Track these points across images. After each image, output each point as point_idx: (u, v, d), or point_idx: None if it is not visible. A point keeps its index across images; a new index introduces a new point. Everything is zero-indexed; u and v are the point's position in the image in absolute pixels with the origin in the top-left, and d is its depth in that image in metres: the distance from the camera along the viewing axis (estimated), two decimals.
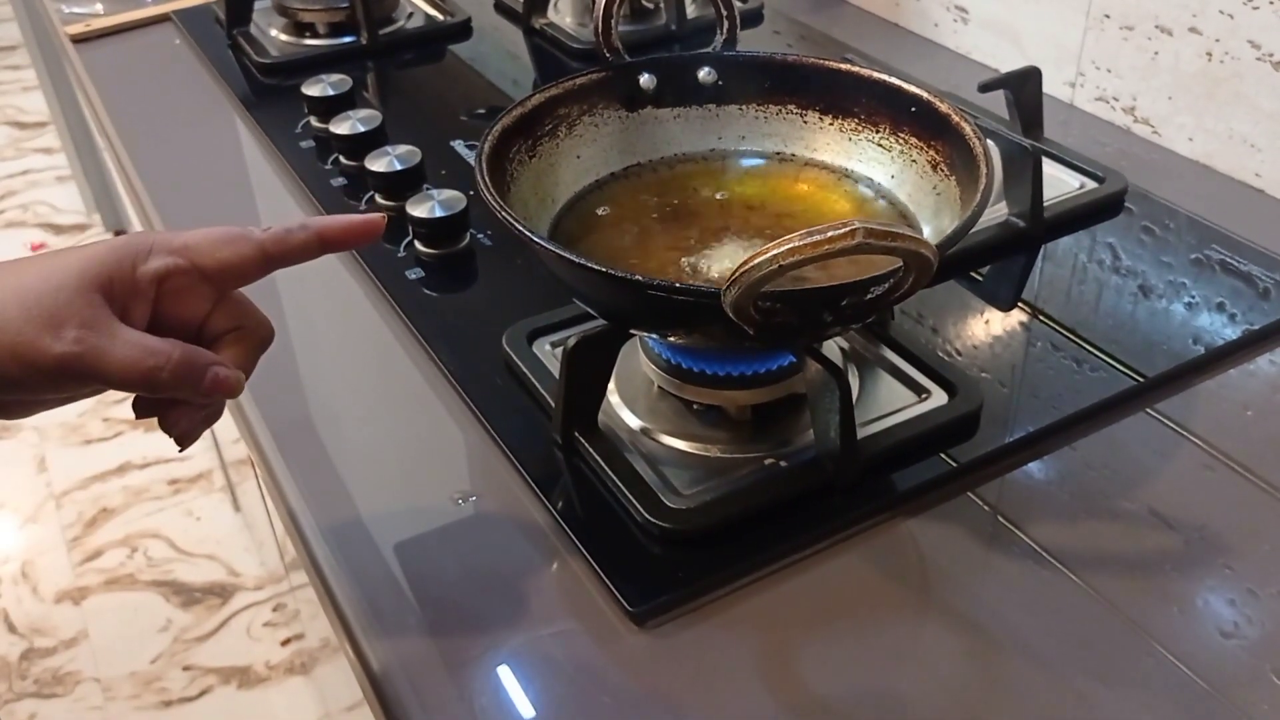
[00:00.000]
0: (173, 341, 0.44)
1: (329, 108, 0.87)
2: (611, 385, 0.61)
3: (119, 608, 1.58)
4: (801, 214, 0.63)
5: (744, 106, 0.67)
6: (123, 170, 0.91)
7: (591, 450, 0.57)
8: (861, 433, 0.56)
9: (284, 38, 1.06)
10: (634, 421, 0.60)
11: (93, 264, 0.44)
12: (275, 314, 0.72)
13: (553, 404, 0.59)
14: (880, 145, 0.63)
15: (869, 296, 0.47)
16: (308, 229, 0.48)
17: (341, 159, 0.85)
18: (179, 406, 0.46)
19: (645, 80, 0.66)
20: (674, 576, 0.52)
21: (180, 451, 0.48)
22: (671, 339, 0.57)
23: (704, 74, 0.66)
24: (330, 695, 1.21)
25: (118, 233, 2.31)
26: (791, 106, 0.66)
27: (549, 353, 0.64)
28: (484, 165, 0.56)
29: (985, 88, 0.75)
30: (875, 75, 0.63)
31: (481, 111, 0.93)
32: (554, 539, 0.55)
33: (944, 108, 0.59)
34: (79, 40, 1.08)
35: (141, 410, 0.47)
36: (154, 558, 1.65)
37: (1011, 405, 0.61)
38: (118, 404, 1.92)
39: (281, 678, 1.48)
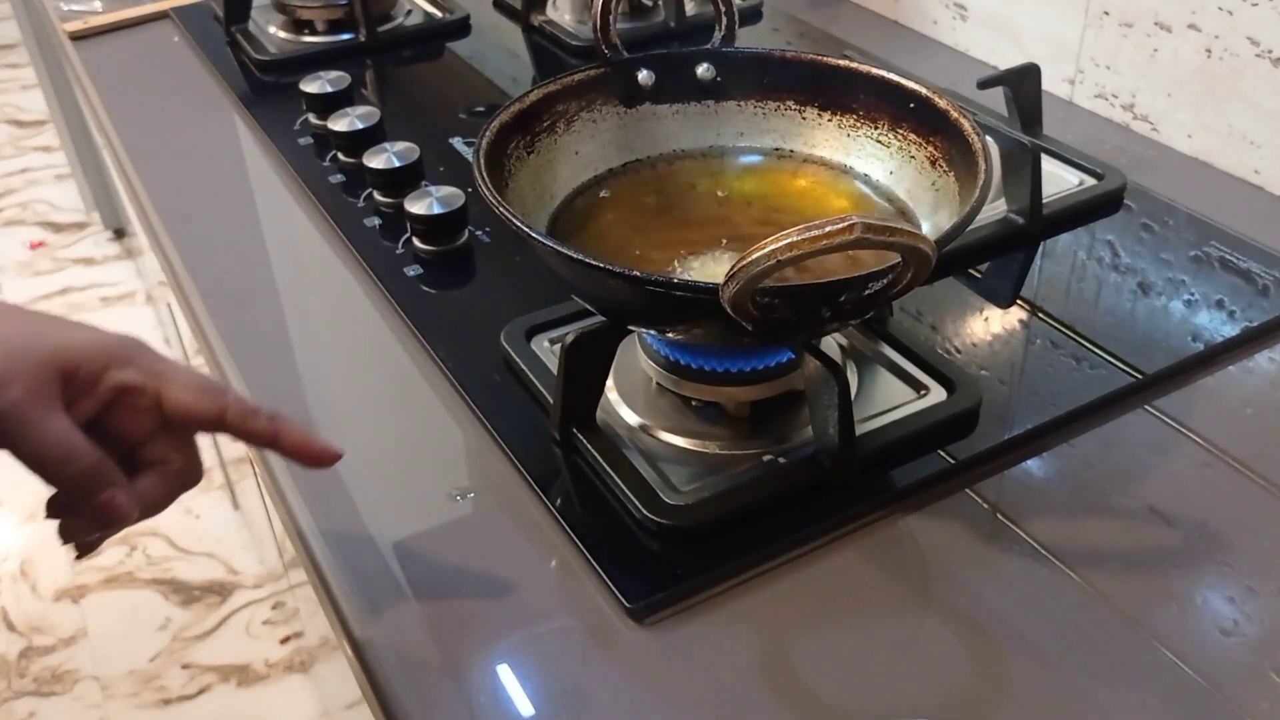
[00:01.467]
0: (93, 448, 0.44)
1: (327, 105, 0.87)
2: (610, 382, 0.60)
3: (118, 606, 1.58)
4: (800, 210, 0.63)
5: (742, 103, 0.66)
6: (121, 168, 0.91)
7: (590, 447, 0.57)
8: (860, 429, 0.56)
9: (282, 35, 1.06)
10: (632, 418, 0.60)
11: (73, 347, 0.45)
12: (274, 311, 0.72)
13: (551, 400, 0.59)
14: (879, 141, 0.63)
15: (867, 292, 0.47)
16: (273, 423, 0.49)
17: (340, 156, 0.85)
18: (76, 515, 0.47)
19: (644, 77, 0.66)
20: (672, 573, 0.52)
21: (77, 560, 0.49)
22: (670, 335, 0.57)
23: (702, 70, 0.66)
24: (329, 693, 1.21)
25: (118, 233, 2.31)
26: (790, 103, 0.66)
27: (547, 349, 0.64)
28: (482, 162, 0.56)
29: (984, 84, 0.75)
30: (874, 71, 0.63)
31: (480, 109, 0.93)
32: (552, 535, 0.55)
33: (943, 104, 0.59)
34: (77, 38, 1.07)
35: (52, 510, 0.47)
36: (153, 556, 1.65)
37: (1010, 402, 0.61)
38: None
39: (281, 676, 1.48)
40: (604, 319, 0.56)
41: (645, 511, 0.53)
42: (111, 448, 0.46)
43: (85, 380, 0.45)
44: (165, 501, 0.48)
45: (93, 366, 0.45)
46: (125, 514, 0.45)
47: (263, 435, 0.48)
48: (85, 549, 0.48)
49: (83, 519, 0.47)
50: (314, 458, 0.50)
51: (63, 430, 0.44)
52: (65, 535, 0.47)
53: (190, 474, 0.49)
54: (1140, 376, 0.62)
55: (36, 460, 0.44)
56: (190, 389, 0.47)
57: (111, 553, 1.66)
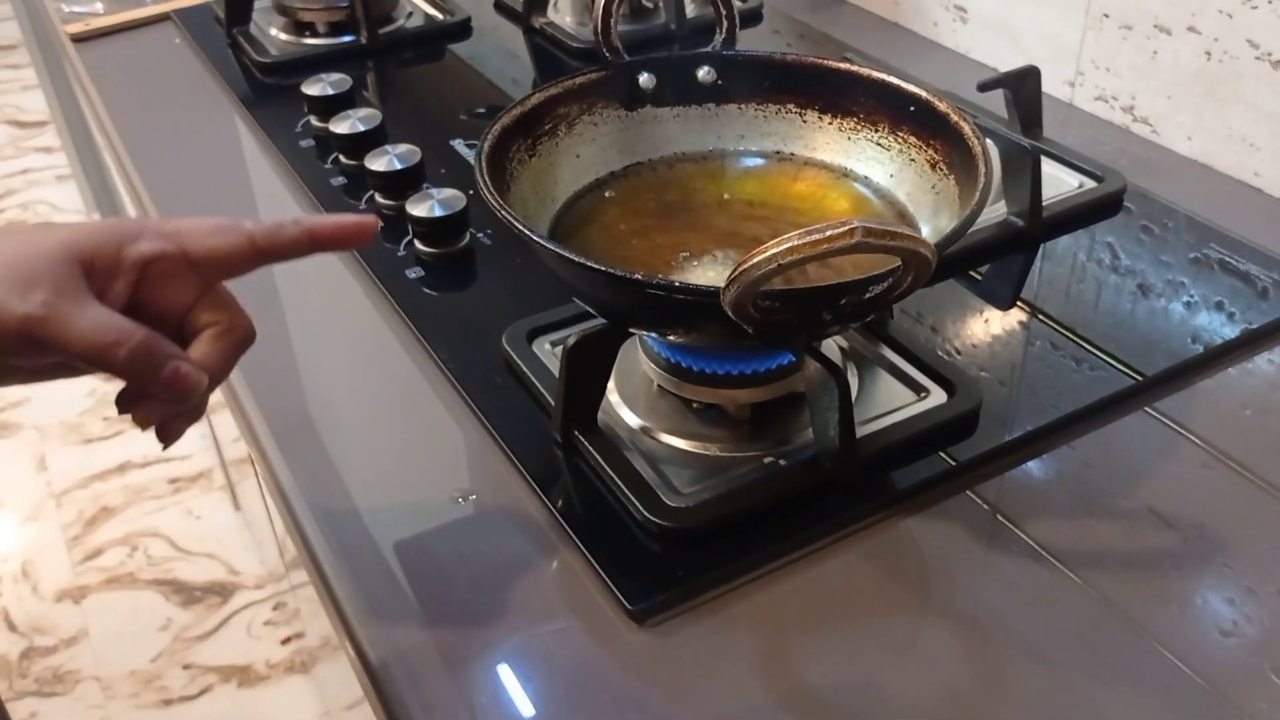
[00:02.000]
0: (139, 326, 0.43)
1: (329, 107, 0.87)
2: (611, 384, 0.61)
3: (119, 606, 1.58)
4: (801, 213, 0.64)
5: (743, 106, 0.67)
6: (123, 169, 0.91)
7: (591, 449, 0.57)
8: (860, 431, 0.57)
9: (284, 37, 1.06)
10: (633, 420, 0.60)
11: (79, 238, 0.43)
12: (275, 313, 0.72)
13: (552, 402, 0.59)
14: (879, 144, 0.63)
15: (868, 295, 0.48)
16: (299, 225, 0.48)
17: (341, 158, 0.85)
18: (150, 400, 0.45)
19: (645, 79, 0.66)
20: (673, 574, 0.52)
21: (163, 449, 0.47)
22: (671, 338, 0.57)
23: (703, 73, 0.66)
24: (330, 694, 1.21)
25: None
26: (791, 105, 0.66)
27: (549, 351, 0.64)
28: (484, 164, 0.56)
29: (984, 87, 0.75)
30: (874, 74, 0.63)
31: (481, 111, 0.93)
32: (553, 537, 0.55)
33: (943, 107, 0.59)
34: (79, 39, 1.08)
35: (123, 404, 0.46)
36: (154, 556, 1.65)
37: (1010, 404, 0.61)
38: None
39: (281, 676, 1.48)
40: (605, 321, 0.57)
41: (646, 513, 0.53)
42: (159, 325, 0.45)
43: (105, 265, 0.44)
44: (228, 363, 0.47)
45: (107, 250, 0.44)
46: (194, 383, 0.44)
47: (300, 242, 0.48)
48: (165, 435, 0.47)
49: (156, 402, 0.45)
50: (357, 235, 0.49)
51: (102, 317, 0.42)
52: (139, 421, 0.46)
53: (242, 329, 0.47)
54: (1140, 378, 0.62)
55: (87, 353, 0.42)
56: (211, 235, 0.46)
57: (112, 553, 1.66)
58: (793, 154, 0.66)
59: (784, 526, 0.54)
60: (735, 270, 0.44)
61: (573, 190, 0.64)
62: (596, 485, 0.56)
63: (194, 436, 1.84)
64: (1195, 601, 0.51)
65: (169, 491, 1.76)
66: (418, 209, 0.73)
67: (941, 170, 0.59)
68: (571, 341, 0.56)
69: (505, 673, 0.49)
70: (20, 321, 0.41)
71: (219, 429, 1.46)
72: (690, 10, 1.04)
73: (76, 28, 1.08)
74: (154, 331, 0.43)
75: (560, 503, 0.56)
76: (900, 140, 0.62)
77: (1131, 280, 0.70)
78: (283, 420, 0.63)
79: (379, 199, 0.79)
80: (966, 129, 0.57)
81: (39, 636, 1.55)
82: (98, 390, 1.94)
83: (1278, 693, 0.47)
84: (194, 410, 0.47)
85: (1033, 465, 0.58)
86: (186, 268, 0.46)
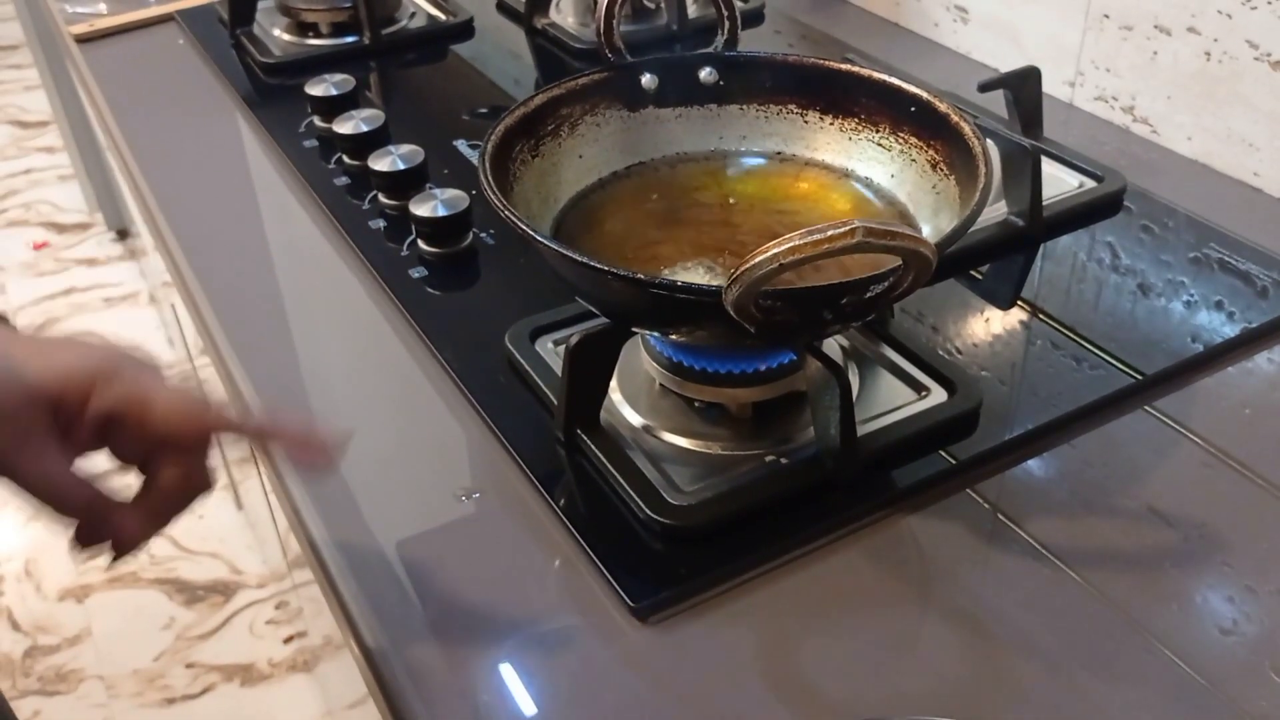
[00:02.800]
0: (86, 486, 0.44)
1: (332, 107, 0.87)
2: (613, 383, 0.61)
3: (122, 605, 1.59)
4: (802, 213, 0.64)
5: (745, 106, 0.67)
6: (126, 169, 0.91)
7: (594, 447, 0.58)
8: (861, 430, 0.57)
9: (287, 38, 1.06)
10: (636, 419, 0.60)
11: (52, 381, 0.44)
12: (279, 314, 0.73)
13: (555, 401, 0.60)
14: (880, 145, 0.64)
15: (868, 295, 0.48)
16: (264, 428, 0.49)
17: (345, 158, 0.85)
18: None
19: (647, 80, 0.66)
20: (676, 572, 0.52)
21: (113, 562, 0.48)
22: (673, 337, 0.58)
23: (705, 74, 0.67)
24: (332, 693, 1.21)
25: (121, 234, 2.31)
26: (792, 106, 0.66)
27: (551, 351, 0.65)
28: (487, 165, 0.56)
29: (985, 87, 0.75)
30: (875, 75, 0.63)
31: (484, 111, 0.94)
32: (556, 535, 0.55)
33: (943, 107, 0.59)
34: (83, 40, 1.08)
35: (77, 540, 0.47)
36: (157, 555, 1.66)
37: (1011, 403, 0.61)
38: None
39: (284, 675, 1.48)
40: (608, 321, 0.57)
41: (649, 511, 0.54)
42: (125, 456, 0.46)
43: (72, 406, 0.44)
44: (176, 512, 0.47)
45: (76, 394, 0.44)
46: (133, 541, 0.46)
47: (257, 439, 0.49)
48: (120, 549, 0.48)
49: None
50: (318, 456, 0.49)
51: (53, 472, 0.44)
52: (82, 546, 0.47)
53: (198, 483, 0.48)
54: (1140, 377, 0.63)
55: (34, 498, 0.44)
56: (173, 413, 0.45)
57: None
58: (794, 154, 0.67)
59: (785, 525, 0.54)
60: (737, 269, 0.44)
61: (575, 190, 0.64)
62: (599, 483, 0.57)
63: None
64: (1195, 600, 0.51)
65: None
66: (421, 209, 0.74)
67: (942, 170, 0.60)
68: (574, 341, 0.56)
69: (508, 670, 0.49)
70: None
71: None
72: (692, 11, 1.04)
73: (80, 28, 1.08)
74: (98, 493, 0.45)
75: (563, 501, 0.56)
76: (901, 141, 0.63)
77: (1131, 280, 0.70)
78: (285, 419, 0.64)
79: (382, 199, 0.80)
80: (967, 129, 0.57)
81: (42, 635, 1.55)
82: None
83: (1278, 691, 0.47)
84: (131, 553, 0.48)
85: (1033, 464, 0.59)
86: (140, 428, 0.45)
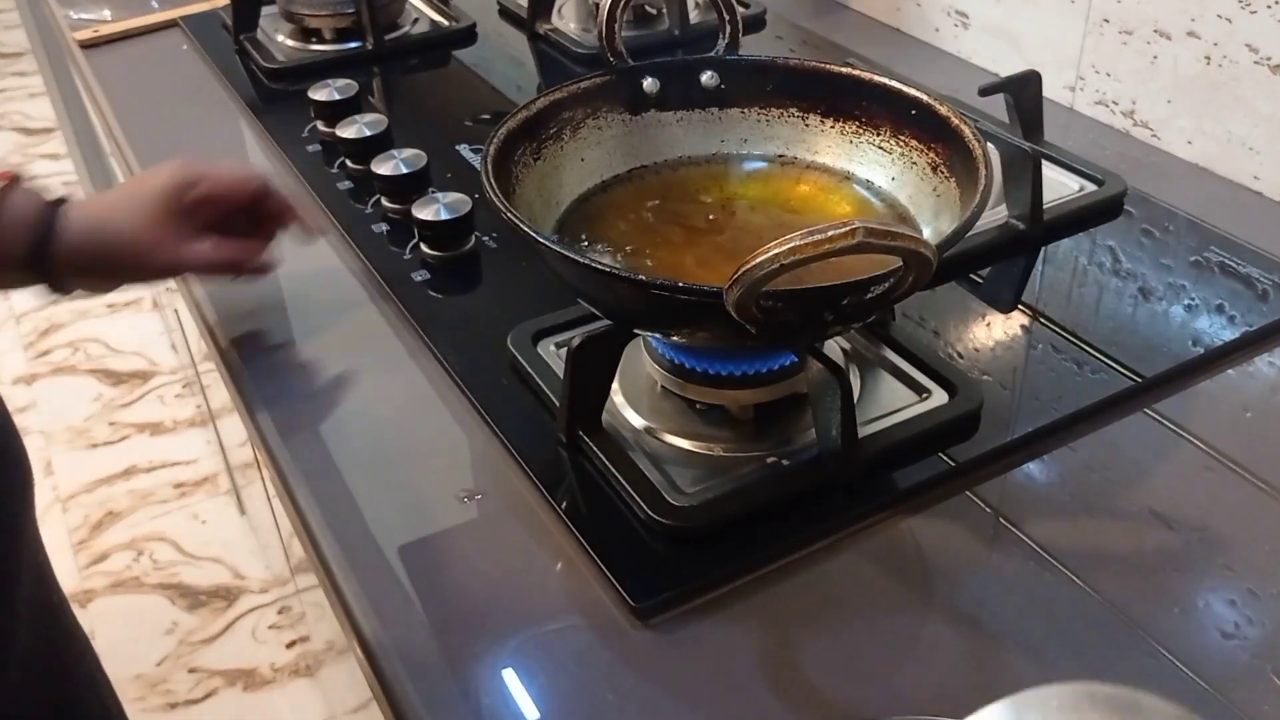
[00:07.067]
0: (221, 249, 0.68)
1: (335, 112, 0.88)
2: (615, 385, 0.61)
3: (125, 610, 1.59)
4: (803, 215, 0.64)
5: (746, 110, 0.67)
6: (131, 175, 0.91)
7: (596, 449, 0.58)
8: (862, 432, 0.57)
9: (290, 43, 1.07)
10: (638, 421, 0.60)
11: (167, 184, 0.66)
12: (282, 316, 0.73)
13: (557, 404, 0.60)
14: (881, 148, 0.64)
15: (869, 296, 0.48)
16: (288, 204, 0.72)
17: (348, 163, 0.85)
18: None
19: (648, 84, 0.66)
20: (677, 573, 0.52)
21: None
22: (675, 339, 0.58)
23: (707, 78, 0.67)
24: (335, 697, 1.21)
25: None
26: (793, 110, 0.66)
27: (553, 353, 0.65)
28: (490, 168, 0.56)
29: (985, 91, 0.75)
30: (876, 78, 0.63)
31: (486, 116, 0.94)
32: (559, 537, 0.55)
33: (944, 110, 0.60)
34: (87, 46, 1.08)
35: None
36: (160, 561, 1.66)
37: (1011, 405, 0.62)
38: (124, 408, 1.92)
39: (287, 680, 1.48)
40: (609, 323, 0.57)
41: (650, 513, 0.54)
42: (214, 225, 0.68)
43: (180, 203, 0.66)
44: (271, 239, 0.71)
45: (179, 193, 0.66)
46: (265, 264, 0.70)
47: (280, 203, 0.70)
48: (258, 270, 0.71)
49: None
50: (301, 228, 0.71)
51: (199, 249, 0.66)
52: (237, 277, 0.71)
53: (271, 225, 0.71)
54: (1140, 380, 0.63)
55: (199, 273, 0.70)
56: (235, 178, 0.68)
57: (118, 557, 1.67)
58: (795, 157, 0.67)
59: (786, 526, 0.54)
60: (738, 270, 0.44)
61: (577, 193, 0.65)
62: (601, 485, 0.57)
63: (199, 441, 1.84)
64: (1196, 603, 0.51)
65: (174, 496, 1.76)
66: (423, 212, 0.74)
67: (943, 173, 0.60)
68: (576, 343, 0.57)
69: (511, 671, 0.50)
70: (142, 245, 0.65)
71: (225, 433, 1.47)
72: (694, 16, 1.05)
73: (85, 34, 1.09)
74: (229, 252, 0.68)
75: (565, 503, 0.56)
76: (902, 144, 0.63)
77: (1132, 283, 0.71)
78: (290, 423, 0.64)
79: (385, 203, 0.80)
80: (967, 132, 0.58)
81: None
82: (103, 395, 1.95)
83: (1279, 694, 0.47)
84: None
85: (1033, 466, 0.59)
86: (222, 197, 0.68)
